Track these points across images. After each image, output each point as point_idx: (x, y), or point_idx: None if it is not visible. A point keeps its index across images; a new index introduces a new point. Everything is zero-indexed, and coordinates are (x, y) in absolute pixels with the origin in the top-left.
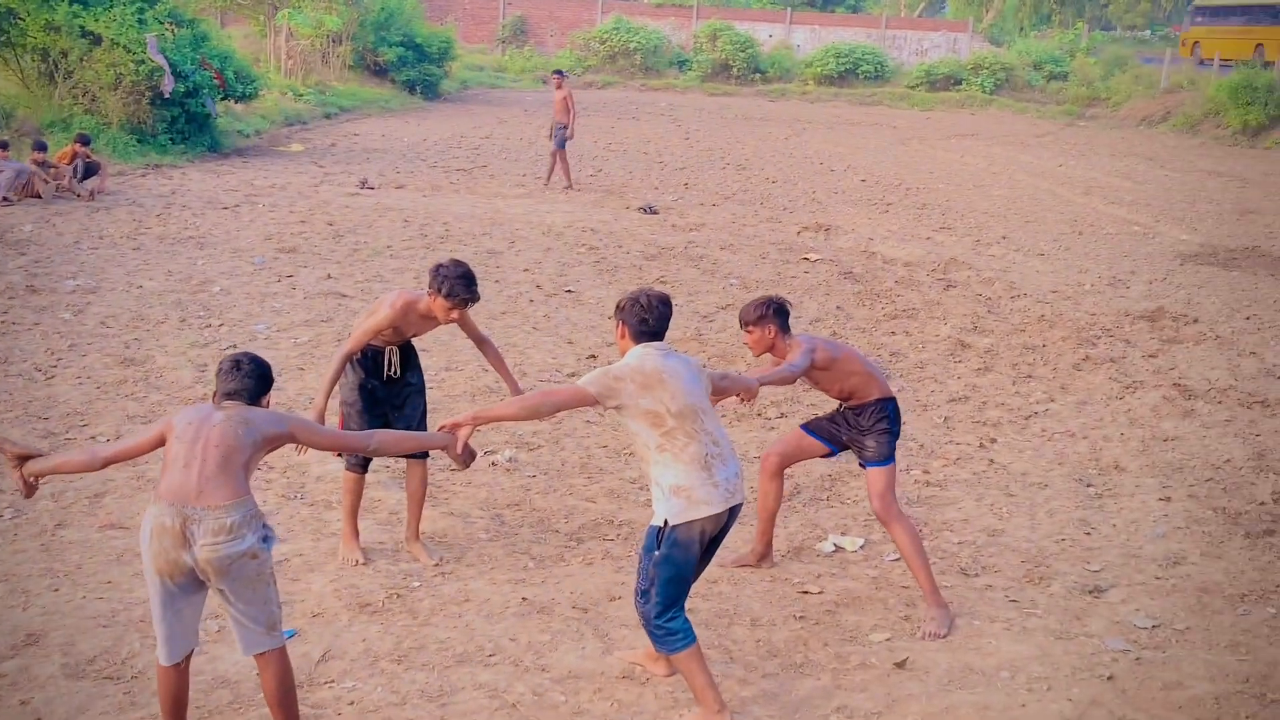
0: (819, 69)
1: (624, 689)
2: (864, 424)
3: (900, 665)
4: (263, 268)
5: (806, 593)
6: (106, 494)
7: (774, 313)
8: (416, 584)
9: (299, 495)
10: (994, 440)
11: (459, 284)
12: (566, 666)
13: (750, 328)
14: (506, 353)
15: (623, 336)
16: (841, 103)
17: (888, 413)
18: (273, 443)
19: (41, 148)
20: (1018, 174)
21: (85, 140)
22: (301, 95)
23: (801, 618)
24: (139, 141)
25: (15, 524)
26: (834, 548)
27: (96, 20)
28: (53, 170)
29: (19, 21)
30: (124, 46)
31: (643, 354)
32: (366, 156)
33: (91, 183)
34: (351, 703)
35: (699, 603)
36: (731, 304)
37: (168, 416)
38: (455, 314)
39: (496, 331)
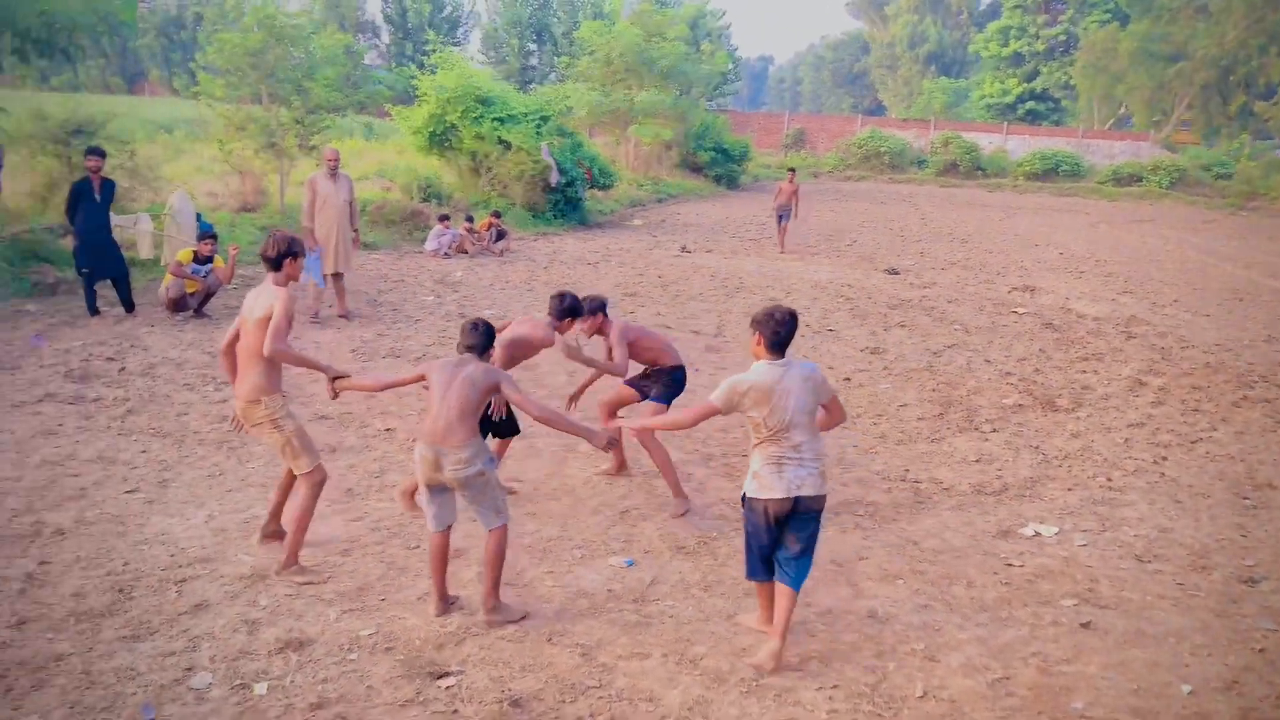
0: (1027, 168)
1: (870, 625)
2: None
3: (1085, 626)
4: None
5: (1010, 565)
6: (508, 458)
7: (601, 308)
8: (715, 534)
9: (636, 467)
10: (1165, 458)
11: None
12: (825, 604)
13: (586, 318)
14: None
15: (758, 344)
16: (1045, 194)
17: (675, 377)
18: (489, 392)
19: (470, 219)
20: (1188, 251)
21: (498, 215)
22: (643, 185)
23: (1007, 584)
24: (533, 217)
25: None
26: (1034, 533)
27: (509, 132)
28: (476, 235)
29: (458, 133)
30: (526, 151)
31: (765, 371)
32: (685, 229)
33: (501, 244)
34: (671, 616)
35: (925, 566)
36: (955, 344)
37: (426, 365)
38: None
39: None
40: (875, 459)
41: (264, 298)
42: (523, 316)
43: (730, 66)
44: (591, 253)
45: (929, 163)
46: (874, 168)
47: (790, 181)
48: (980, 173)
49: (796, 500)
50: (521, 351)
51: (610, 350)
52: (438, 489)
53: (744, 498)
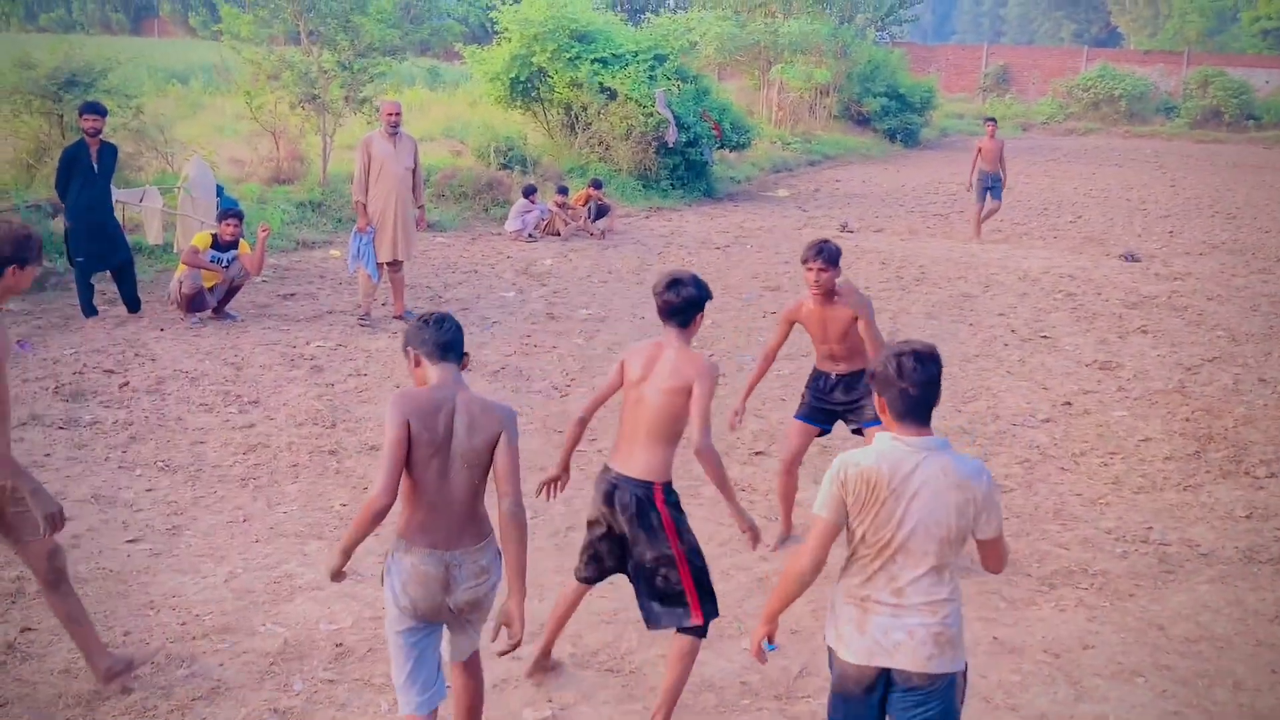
0: None
1: None
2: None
3: None
4: (751, 303)
5: None
6: None
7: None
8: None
9: (777, 519)
10: None
11: None
12: (1038, 709)
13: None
14: (979, 396)
15: (881, 410)
16: None
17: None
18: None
19: (563, 191)
20: None
21: (598, 185)
22: (789, 144)
23: None
24: (644, 186)
25: (534, 524)
26: None
27: (614, 77)
28: (571, 211)
29: (548, 79)
30: (636, 101)
31: (886, 451)
32: (847, 201)
33: (603, 223)
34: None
35: (1175, 660)
36: (1218, 356)
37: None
38: None
39: (970, 375)
40: (1106, 512)
41: None
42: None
43: None
44: (721, 233)
45: (1181, 110)
46: (1106, 117)
47: (991, 137)
48: (1253, 123)
49: (885, 672)
50: None
51: (845, 327)
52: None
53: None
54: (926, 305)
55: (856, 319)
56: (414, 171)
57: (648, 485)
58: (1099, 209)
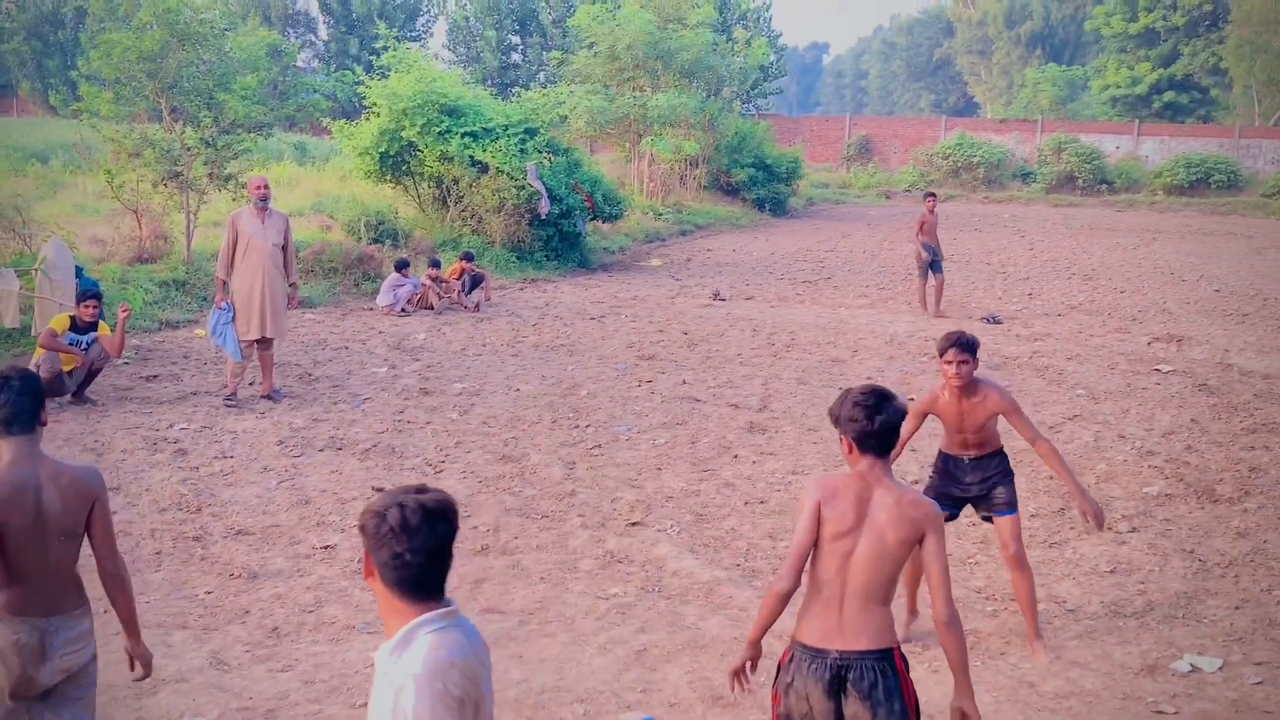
0: (1168, 179)
1: None
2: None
3: None
4: (625, 373)
5: (1161, 713)
6: (485, 580)
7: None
8: (763, 679)
9: (656, 589)
10: None
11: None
12: None
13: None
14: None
15: (849, 451)
16: (1192, 212)
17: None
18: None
19: (435, 264)
20: None
21: (470, 257)
22: (661, 214)
23: None
24: (518, 258)
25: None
26: (1190, 667)
27: (485, 151)
28: (444, 285)
29: (418, 153)
30: (507, 174)
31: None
32: (718, 270)
33: (476, 295)
34: None
35: (1046, 716)
36: (1078, 415)
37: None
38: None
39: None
40: (976, 572)
41: None
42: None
43: (772, 59)
44: (595, 303)
45: (1037, 175)
46: (964, 184)
47: (931, 211)
48: (1105, 187)
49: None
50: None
51: (984, 417)
52: None
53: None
54: (797, 370)
55: (999, 413)
56: (285, 248)
57: (887, 653)
58: (961, 273)
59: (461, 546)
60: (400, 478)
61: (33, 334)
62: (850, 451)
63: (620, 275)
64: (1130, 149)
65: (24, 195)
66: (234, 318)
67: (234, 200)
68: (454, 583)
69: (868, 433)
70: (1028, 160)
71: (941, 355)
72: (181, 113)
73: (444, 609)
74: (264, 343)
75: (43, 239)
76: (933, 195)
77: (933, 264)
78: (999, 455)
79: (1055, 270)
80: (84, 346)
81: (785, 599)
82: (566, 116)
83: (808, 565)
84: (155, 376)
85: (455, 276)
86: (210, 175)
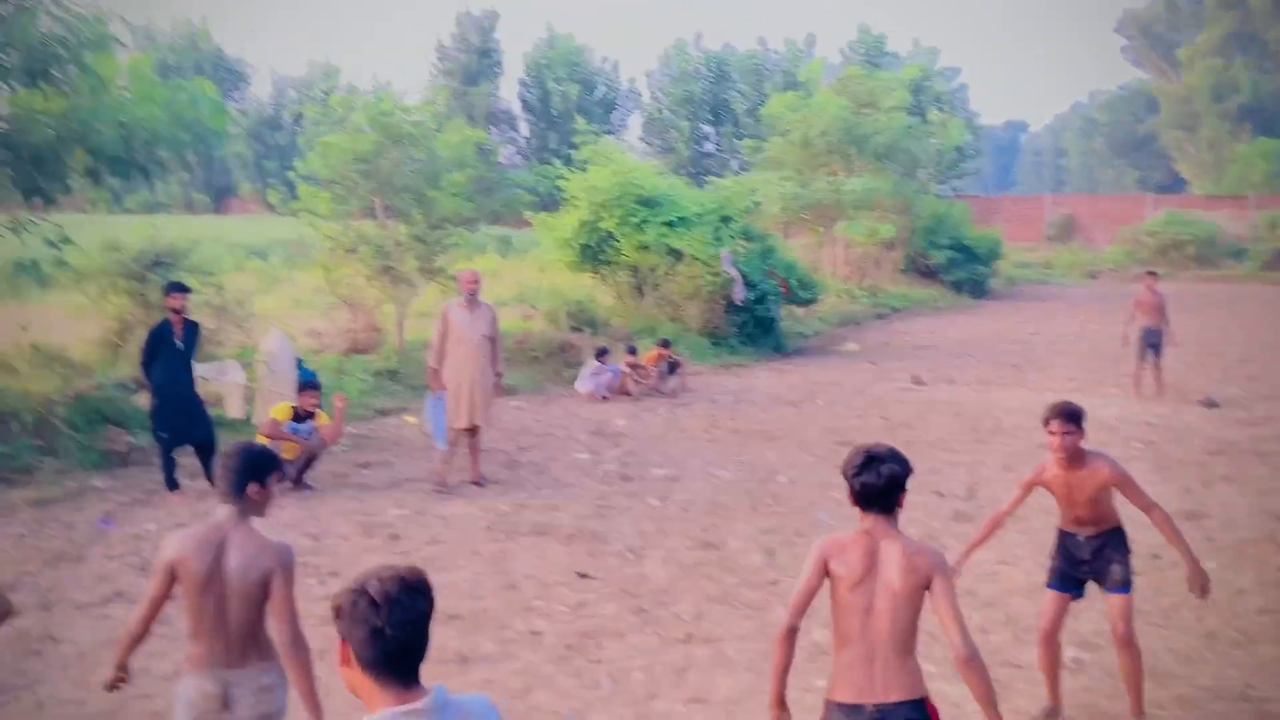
0: None
1: None
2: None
3: None
4: (823, 459)
5: None
6: (689, 669)
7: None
8: None
9: None
10: None
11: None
12: None
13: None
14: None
15: (854, 506)
16: None
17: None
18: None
19: (632, 351)
20: None
21: (666, 344)
22: (856, 298)
23: None
24: (714, 344)
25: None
26: None
27: (680, 239)
28: (641, 371)
29: (615, 243)
30: (703, 261)
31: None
32: (917, 353)
33: (674, 381)
34: None
35: None
36: None
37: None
38: None
39: (1050, 527)
40: (1202, 669)
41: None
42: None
43: (968, 139)
44: (791, 389)
45: (1251, 253)
46: (1174, 262)
47: (1151, 291)
48: None
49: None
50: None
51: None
52: None
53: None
54: (1003, 457)
55: (1111, 485)
56: (493, 340)
57: (920, 704)
58: (1174, 354)
59: (664, 634)
60: (603, 563)
61: (254, 423)
62: (855, 506)
63: (816, 360)
64: None
65: (245, 290)
66: (445, 404)
67: (443, 292)
68: (658, 671)
69: (863, 491)
70: (1240, 238)
71: (1045, 425)
72: (394, 210)
73: (416, 704)
74: (471, 431)
75: (264, 332)
76: (1153, 273)
77: (1154, 346)
78: (1116, 532)
79: (1275, 351)
80: (305, 435)
81: (790, 638)
82: (760, 203)
83: (834, 625)
84: (369, 464)
85: (653, 363)
86: (421, 269)
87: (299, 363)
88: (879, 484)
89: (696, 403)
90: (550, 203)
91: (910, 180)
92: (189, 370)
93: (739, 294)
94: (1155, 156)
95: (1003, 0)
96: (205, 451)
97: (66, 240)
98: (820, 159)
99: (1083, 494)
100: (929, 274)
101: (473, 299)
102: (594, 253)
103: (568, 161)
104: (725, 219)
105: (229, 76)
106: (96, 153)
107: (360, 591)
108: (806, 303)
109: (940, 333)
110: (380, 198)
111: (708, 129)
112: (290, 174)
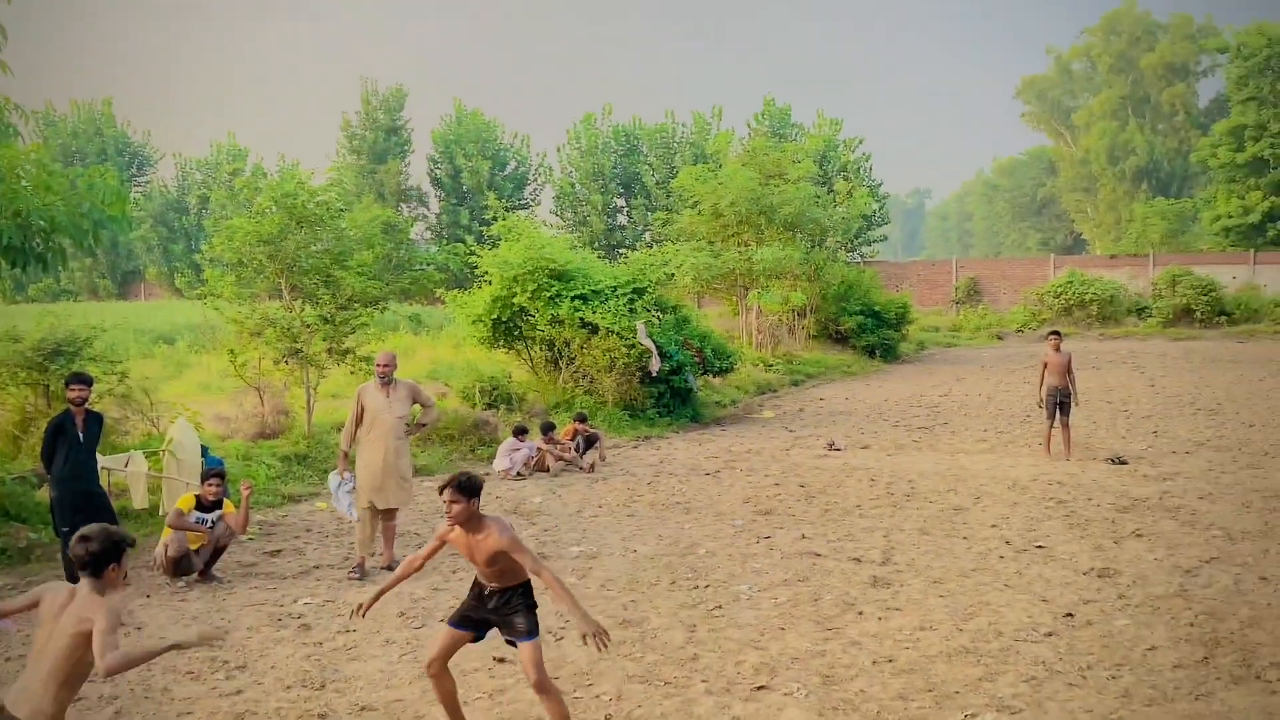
0: None
1: None
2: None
3: None
4: (742, 530)
5: None
6: None
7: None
8: None
9: None
10: None
11: None
12: None
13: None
14: (979, 612)
15: None
16: None
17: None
18: None
19: (550, 428)
20: None
21: (583, 418)
22: (771, 365)
23: None
24: (631, 416)
25: None
26: None
27: (594, 312)
28: (559, 446)
29: (530, 318)
30: (618, 334)
31: None
32: (832, 419)
33: (591, 455)
34: None
35: None
36: (1216, 557)
37: None
38: None
39: (968, 590)
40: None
41: (77, 608)
42: None
43: (875, 207)
44: (709, 458)
45: (1152, 310)
46: (1078, 321)
47: (1056, 349)
48: (1224, 318)
49: None
50: None
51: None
52: None
53: None
54: (919, 520)
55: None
56: (427, 405)
57: None
58: (1080, 412)
59: (585, 718)
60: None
61: (161, 514)
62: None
63: (733, 428)
64: (1247, 278)
65: (152, 377)
66: (353, 488)
67: (352, 373)
68: None
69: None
70: (1142, 295)
71: (440, 494)
72: (300, 291)
73: None
74: (387, 513)
75: (169, 420)
76: (1056, 333)
77: (1060, 405)
78: (521, 588)
79: (1179, 406)
80: (209, 524)
81: None
82: (673, 274)
83: None
84: (279, 551)
85: (569, 437)
86: (329, 350)
87: (204, 450)
88: (84, 555)
89: (615, 476)
90: (463, 279)
91: (820, 248)
92: (91, 462)
93: (655, 365)
94: (1056, 219)
95: (905, 70)
96: None
97: None
98: (731, 229)
99: (482, 555)
100: (841, 340)
101: (386, 379)
102: (508, 328)
103: (480, 238)
104: (639, 291)
105: (133, 160)
106: None
107: None
108: (722, 372)
109: (855, 398)
110: (286, 279)
111: (619, 202)
112: (197, 257)
